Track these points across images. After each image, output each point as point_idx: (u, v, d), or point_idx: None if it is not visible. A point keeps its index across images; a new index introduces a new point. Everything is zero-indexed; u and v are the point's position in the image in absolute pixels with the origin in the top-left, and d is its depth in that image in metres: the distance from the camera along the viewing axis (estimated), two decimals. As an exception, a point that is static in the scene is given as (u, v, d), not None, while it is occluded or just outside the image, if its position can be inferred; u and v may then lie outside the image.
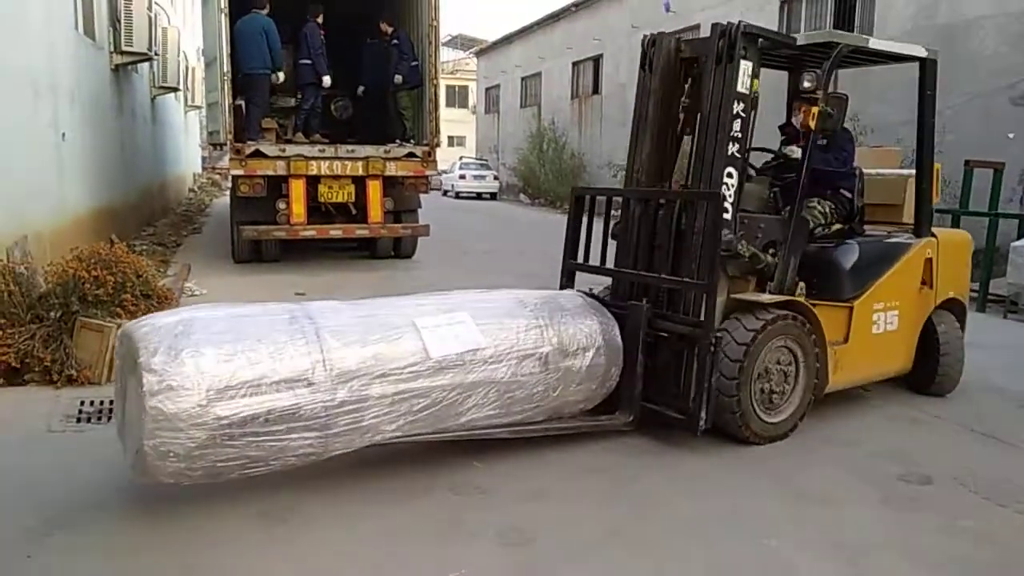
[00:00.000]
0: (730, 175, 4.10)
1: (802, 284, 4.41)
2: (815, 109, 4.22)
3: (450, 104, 45.40)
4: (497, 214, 21.87)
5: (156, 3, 12.17)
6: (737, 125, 4.10)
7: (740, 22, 4.10)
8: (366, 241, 10.80)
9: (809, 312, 4.29)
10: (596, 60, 24.39)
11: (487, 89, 35.93)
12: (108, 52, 10.84)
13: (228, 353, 3.09)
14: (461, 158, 32.49)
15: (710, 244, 4.02)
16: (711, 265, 4.00)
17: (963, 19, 11.29)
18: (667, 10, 19.58)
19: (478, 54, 38.13)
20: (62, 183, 8.24)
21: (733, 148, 4.10)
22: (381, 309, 3.76)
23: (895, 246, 4.90)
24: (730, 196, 4.09)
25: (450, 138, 42.47)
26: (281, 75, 9.99)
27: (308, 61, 10.03)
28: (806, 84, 4.25)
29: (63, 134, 8.28)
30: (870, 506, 3.55)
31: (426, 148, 10.19)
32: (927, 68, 4.87)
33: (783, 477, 3.83)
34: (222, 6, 9.30)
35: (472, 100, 43.56)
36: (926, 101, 4.92)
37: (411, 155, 10.08)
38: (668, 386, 4.22)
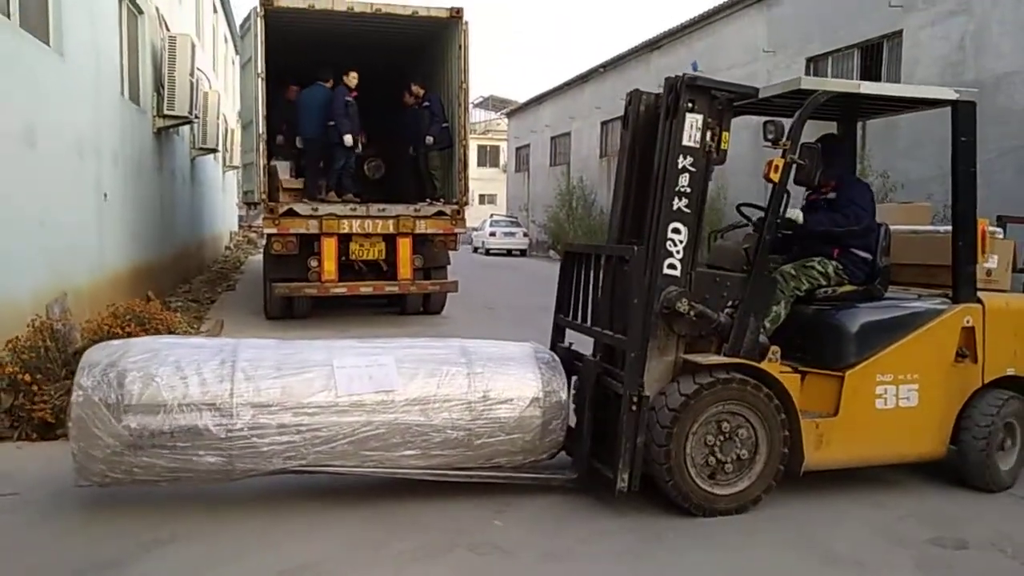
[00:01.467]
0: (676, 231, 3.99)
1: (775, 349, 4.08)
2: (777, 161, 3.96)
3: (481, 163, 46.29)
4: (526, 270, 21.99)
5: (198, 69, 12.65)
6: (684, 179, 3.99)
7: (686, 74, 4.03)
8: (396, 297, 10.91)
9: (771, 378, 3.98)
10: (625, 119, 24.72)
11: (517, 148, 36.55)
12: (151, 116, 11.29)
13: (147, 375, 3.64)
14: (492, 215, 32.94)
15: (633, 301, 3.92)
16: (636, 322, 3.91)
17: (992, 75, 11.31)
18: (694, 70, 19.87)
19: (509, 115, 38.91)
20: (102, 241, 8.51)
21: (680, 203, 4.00)
22: (307, 349, 4.06)
23: (917, 312, 4.35)
24: (677, 252, 3.99)
25: (481, 196, 43.16)
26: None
27: (332, 123, 10.33)
28: (767, 135, 3.98)
29: (105, 194, 8.58)
30: (903, 571, 3.44)
31: (455, 207, 10.36)
32: (960, 112, 4.36)
33: (811, 539, 3.73)
34: (259, 71, 9.66)
35: (503, 159, 44.31)
36: (960, 148, 4.37)
37: (440, 213, 10.25)
38: (612, 446, 4.01)
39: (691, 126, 3.98)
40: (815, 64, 15.64)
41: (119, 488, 4.16)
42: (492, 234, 29.95)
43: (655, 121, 4.22)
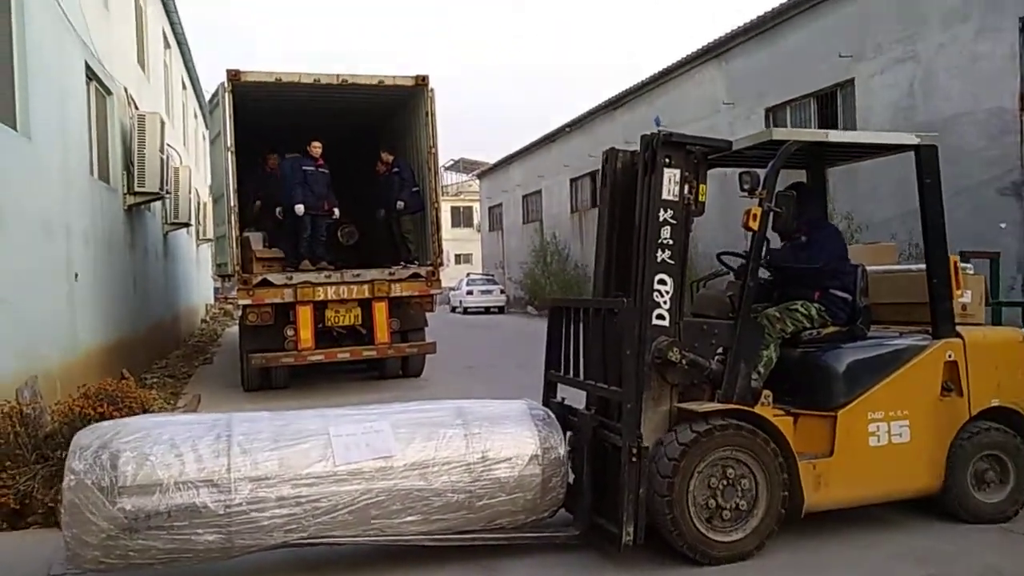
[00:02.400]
0: (662, 282, 4.08)
1: (767, 392, 4.15)
2: (755, 210, 4.09)
3: (456, 224, 46.66)
4: (504, 327, 21.99)
5: (168, 145, 12.74)
6: (666, 232, 4.10)
7: (660, 131, 4.18)
8: (375, 362, 10.85)
9: (766, 422, 4.03)
10: (592, 175, 25.17)
11: (490, 208, 36.94)
12: (121, 193, 11.30)
13: (141, 455, 3.58)
14: (468, 274, 33.03)
15: (626, 352, 4.00)
16: (630, 373, 3.96)
17: (940, 117, 11.69)
18: (657, 124, 20.34)
19: (480, 176, 39.45)
20: (74, 321, 8.41)
21: (663, 255, 4.10)
22: (301, 419, 4.05)
23: (901, 349, 4.41)
24: (664, 303, 4.08)
25: (457, 256, 43.24)
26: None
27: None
28: (743, 186, 4.12)
29: (75, 274, 8.52)
30: (894, 612, 3.40)
31: (430, 268, 10.42)
32: (923, 156, 4.51)
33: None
34: (228, 145, 9.75)
35: (476, 219, 44.70)
36: (927, 190, 4.50)
37: (415, 276, 10.29)
38: (614, 499, 4.02)
39: (669, 180, 4.11)
40: (774, 114, 16.07)
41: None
42: (469, 292, 30.01)
43: (633, 177, 4.35)
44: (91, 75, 9.92)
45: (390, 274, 10.19)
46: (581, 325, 4.50)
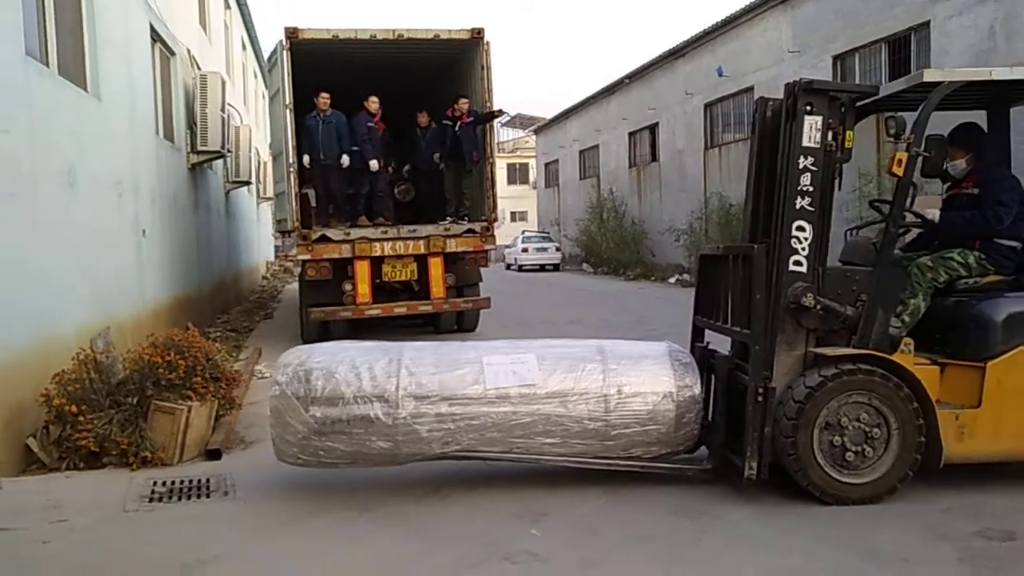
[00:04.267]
0: (801, 228, 4.14)
1: (908, 340, 4.14)
2: (900, 155, 4.05)
3: (511, 181, 46.46)
4: (559, 284, 21.99)
5: (229, 104, 12.98)
6: (806, 179, 4.14)
7: (801, 79, 4.21)
8: (430, 317, 11.00)
9: (902, 370, 4.04)
10: (652, 128, 24.71)
11: (546, 164, 36.67)
12: (185, 152, 11.59)
13: (328, 372, 4.25)
14: (523, 232, 33.00)
15: (756, 297, 4.15)
16: (759, 316, 4.12)
17: (1021, 57, 11.08)
18: (720, 75, 19.80)
19: (536, 132, 39.08)
20: (142, 276, 8.74)
21: (803, 201, 4.15)
22: (460, 350, 4.60)
23: None
24: (802, 249, 4.13)
25: (512, 214, 43.29)
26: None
27: (356, 148, 10.47)
28: (889, 130, 4.09)
29: (143, 231, 8.83)
30: (947, 566, 3.36)
31: (484, 224, 10.45)
32: None
33: (851, 536, 3.67)
34: (287, 102, 9.89)
35: (532, 176, 44.45)
36: None
37: (470, 231, 10.34)
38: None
39: (810, 127, 4.13)
40: (842, 61, 15.47)
41: (162, 512, 4.29)
42: (524, 250, 30.04)
43: (779, 125, 4.38)
44: (155, 36, 10.13)
45: (445, 230, 10.26)
46: (723, 272, 4.64)
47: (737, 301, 4.40)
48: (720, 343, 4.79)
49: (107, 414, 5.20)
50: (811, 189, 4.14)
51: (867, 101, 4.39)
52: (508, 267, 30.46)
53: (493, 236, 10.58)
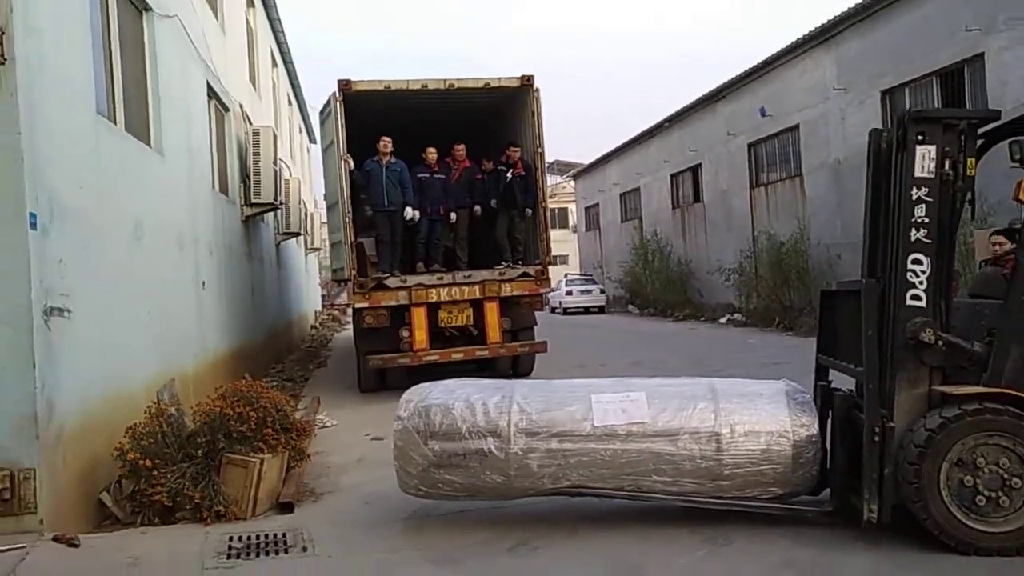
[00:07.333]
0: (917, 261, 3.98)
1: None
2: None
3: (552, 226, 46.54)
4: (607, 326, 21.74)
5: (280, 158, 13.19)
6: (921, 210, 4.00)
7: (910, 109, 4.09)
8: (486, 362, 10.84)
9: None
10: (695, 170, 24.59)
11: (587, 208, 36.73)
12: (239, 205, 11.76)
13: (446, 408, 4.46)
14: (566, 275, 32.88)
15: (868, 333, 4.00)
16: (871, 353, 3.96)
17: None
18: (763, 115, 19.68)
19: (576, 176, 39.26)
20: (202, 327, 8.78)
21: (918, 234, 4.00)
22: (569, 387, 4.71)
23: None
24: (920, 283, 3.97)
25: (553, 258, 43.21)
26: (408, 211, 10.27)
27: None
28: (1014, 156, 3.97)
29: (203, 282, 8.90)
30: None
31: (539, 267, 10.35)
32: None
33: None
34: (341, 153, 9.98)
35: (572, 220, 44.57)
36: None
37: (525, 275, 10.26)
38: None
39: (923, 157, 4.02)
40: (891, 96, 15.24)
41: (243, 570, 4.15)
42: (569, 293, 29.85)
43: (892, 157, 4.26)
44: (211, 93, 10.37)
45: (500, 274, 10.19)
46: (840, 308, 4.55)
47: (854, 338, 4.24)
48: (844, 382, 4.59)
49: (180, 468, 5.12)
50: (927, 221, 4.00)
51: (992, 126, 4.23)
52: (553, 310, 30.25)
53: (548, 279, 10.50)
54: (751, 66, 20.05)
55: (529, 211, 10.75)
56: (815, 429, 4.27)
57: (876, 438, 3.89)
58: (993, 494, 3.76)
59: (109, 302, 5.79)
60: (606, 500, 4.50)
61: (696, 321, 21.72)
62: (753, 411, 4.30)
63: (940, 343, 3.92)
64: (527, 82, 10.32)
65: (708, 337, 16.88)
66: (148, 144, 7.39)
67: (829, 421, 4.44)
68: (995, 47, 12.57)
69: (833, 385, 4.63)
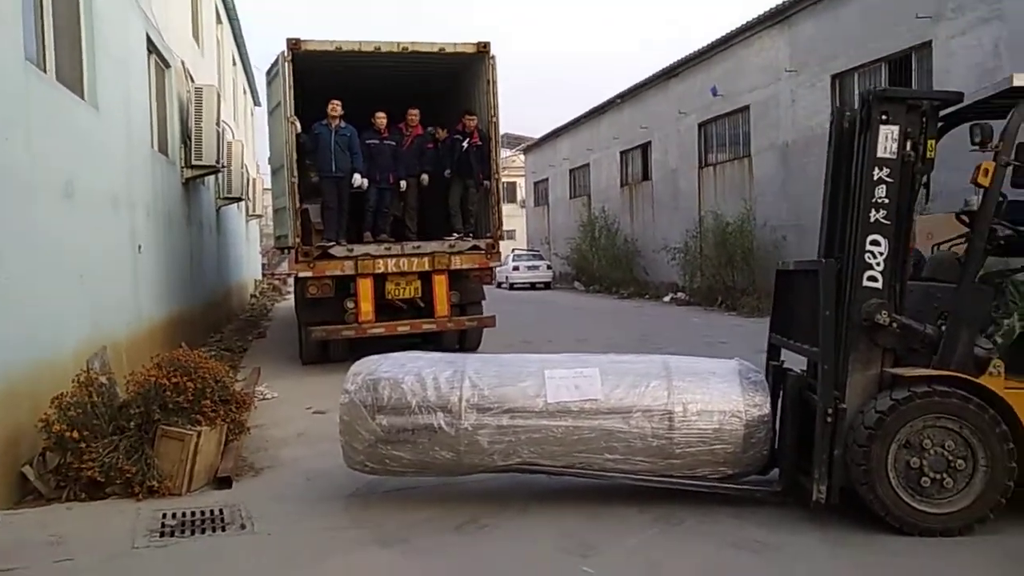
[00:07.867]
0: (875, 243, 3.95)
1: (997, 362, 3.88)
2: (987, 165, 3.87)
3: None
4: (554, 303, 21.74)
5: (223, 120, 12.67)
6: (881, 191, 3.96)
7: (876, 88, 4.00)
8: (432, 335, 10.67)
9: (990, 394, 3.81)
10: (644, 147, 24.64)
11: (536, 183, 36.56)
12: (180, 167, 11.27)
13: (395, 382, 4.34)
14: (514, 250, 32.76)
15: (825, 313, 3.98)
16: (827, 334, 3.94)
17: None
18: (715, 94, 19.77)
19: (526, 150, 38.99)
20: (138, 293, 8.39)
21: (877, 215, 3.96)
22: (523, 362, 4.58)
23: None
24: (877, 264, 3.94)
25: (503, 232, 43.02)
26: (356, 178, 9.95)
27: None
28: (974, 138, 3.92)
29: (139, 246, 8.49)
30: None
31: (490, 240, 10.20)
32: None
33: (921, 566, 3.46)
34: (288, 115, 9.60)
35: (520, 195, 44.32)
36: None
37: (475, 248, 10.09)
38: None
39: (886, 137, 3.97)
40: (840, 80, 15.43)
41: (176, 548, 3.96)
42: (515, 268, 29.78)
43: (854, 136, 4.20)
44: (152, 47, 9.84)
45: (450, 246, 10.00)
46: (795, 288, 4.50)
47: (808, 318, 4.22)
48: (797, 362, 4.59)
49: (111, 441, 4.86)
50: (887, 202, 3.97)
51: (952, 109, 4.20)
52: (499, 285, 30.14)
53: (499, 253, 10.35)
54: (706, 44, 20.09)
55: (487, 182, 10.53)
56: (767, 409, 4.25)
57: (829, 419, 3.87)
58: (938, 476, 3.78)
59: (36, 264, 5.43)
60: (556, 478, 4.45)
61: (641, 299, 21.89)
62: (706, 390, 4.26)
63: (894, 325, 3.91)
64: (483, 49, 10.08)
65: (653, 315, 17.01)
66: (82, 97, 6.94)
67: (780, 401, 4.42)
68: (943, 35, 12.79)
69: (785, 365, 4.62)
